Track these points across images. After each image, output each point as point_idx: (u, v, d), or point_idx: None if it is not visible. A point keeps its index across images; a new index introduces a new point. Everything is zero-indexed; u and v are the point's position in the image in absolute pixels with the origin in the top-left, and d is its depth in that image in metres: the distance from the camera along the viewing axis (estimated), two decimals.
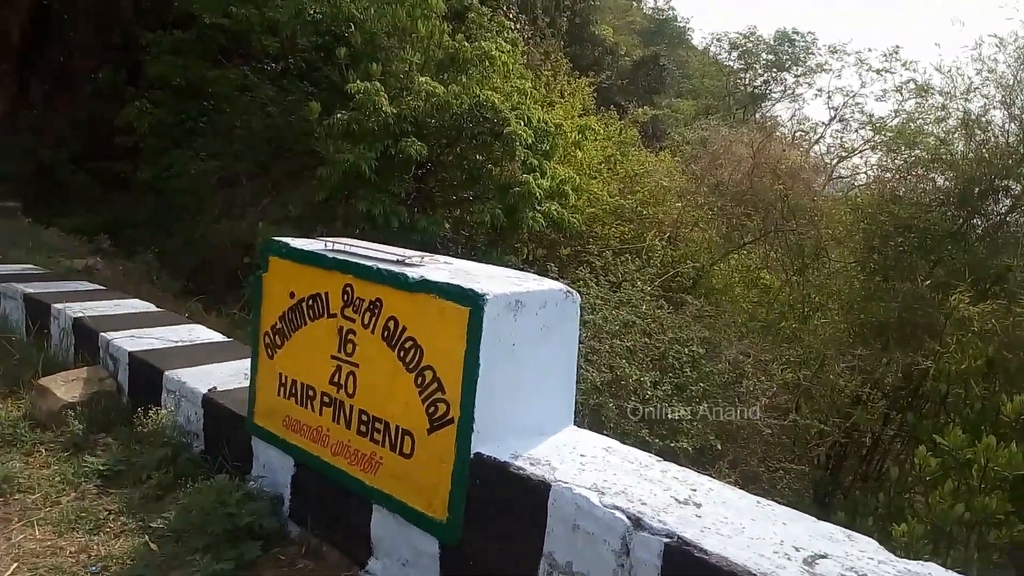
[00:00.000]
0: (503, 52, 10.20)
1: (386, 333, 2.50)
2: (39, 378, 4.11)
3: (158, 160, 10.48)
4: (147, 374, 3.86)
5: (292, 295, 2.88)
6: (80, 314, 4.66)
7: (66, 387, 3.96)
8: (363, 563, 2.63)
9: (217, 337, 4.53)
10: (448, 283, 2.34)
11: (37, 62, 13.59)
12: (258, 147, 10.02)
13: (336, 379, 2.70)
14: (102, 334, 4.31)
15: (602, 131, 12.72)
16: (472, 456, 2.26)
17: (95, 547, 2.85)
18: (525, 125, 9.07)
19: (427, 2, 9.52)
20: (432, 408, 2.36)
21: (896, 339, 8.62)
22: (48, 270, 6.60)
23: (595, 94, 15.51)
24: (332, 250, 2.82)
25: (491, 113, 8.69)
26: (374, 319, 2.54)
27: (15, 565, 2.71)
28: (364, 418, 2.59)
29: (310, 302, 2.80)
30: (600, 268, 8.22)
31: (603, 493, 2.02)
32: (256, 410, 3.10)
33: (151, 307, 5.25)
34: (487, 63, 9.75)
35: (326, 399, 2.74)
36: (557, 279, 7.22)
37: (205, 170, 9.99)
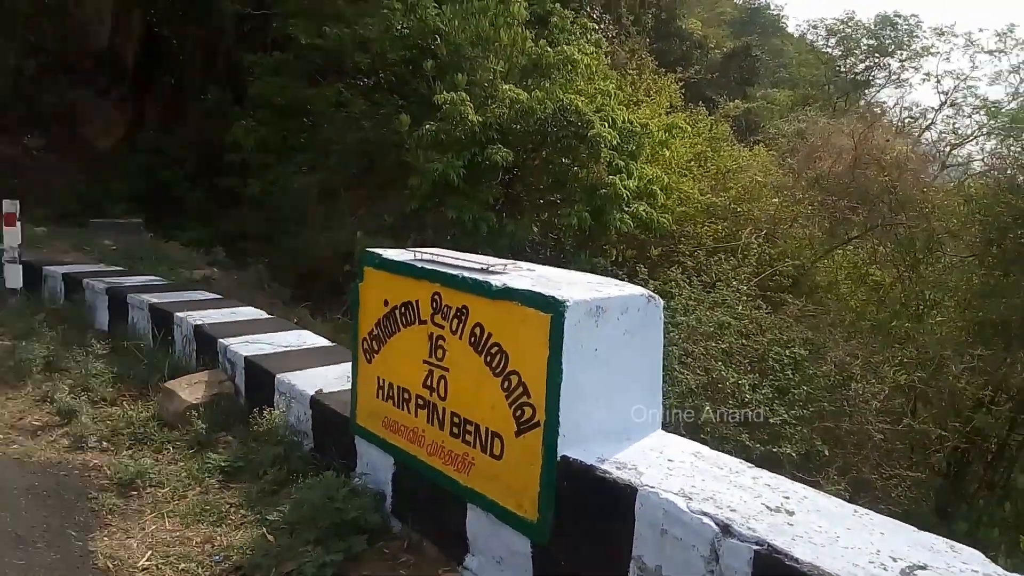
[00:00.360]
0: (586, 55, 10.19)
1: (473, 339, 2.60)
2: (165, 381, 4.52)
3: (264, 175, 11.16)
4: (261, 377, 4.15)
5: (386, 303, 3.03)
6: (200, 322, 5.07)
7: (189, 389, 4.32)
8: (460, 559, 2.73)
9: (322, 342, 4.81)
10: (530, 290, 2.40)
11: (150, 86, 14.77)
12: (353, 160, 10.47)
13: (429, 383, 2.82)
14: (220, 340, 4.67)
15: (690, 128, 12.42)
16: (559, 459, 2.31)
17: (218, 538, 3.10)
18: (610, 126, 9.02)
19: (509, 10, 9.64)
20: (518, 411, 2.42)
21: (1019, 338, 7.97)
22: (170, 281, 7.19)
23: (684, 90, 15.18)
24: (420, 259, 2.95)
25: (575, 116, 8.70)
26: (461, 325, 2.65)
27: (149, 553, 3.00)
28: (456, 420, 2.70)
29: (402, 309, 2.94)
30: (692, 268, 8.03)
31: (690, 498, 2.02)
32: (358, 411, 3.28)
33: (263, 314, 5.64)
34: (570, 67, 9.77)
35: (420, 401, 2.87)
36: (647, 280, 7.11)
37: (306, 183, 10.54)
